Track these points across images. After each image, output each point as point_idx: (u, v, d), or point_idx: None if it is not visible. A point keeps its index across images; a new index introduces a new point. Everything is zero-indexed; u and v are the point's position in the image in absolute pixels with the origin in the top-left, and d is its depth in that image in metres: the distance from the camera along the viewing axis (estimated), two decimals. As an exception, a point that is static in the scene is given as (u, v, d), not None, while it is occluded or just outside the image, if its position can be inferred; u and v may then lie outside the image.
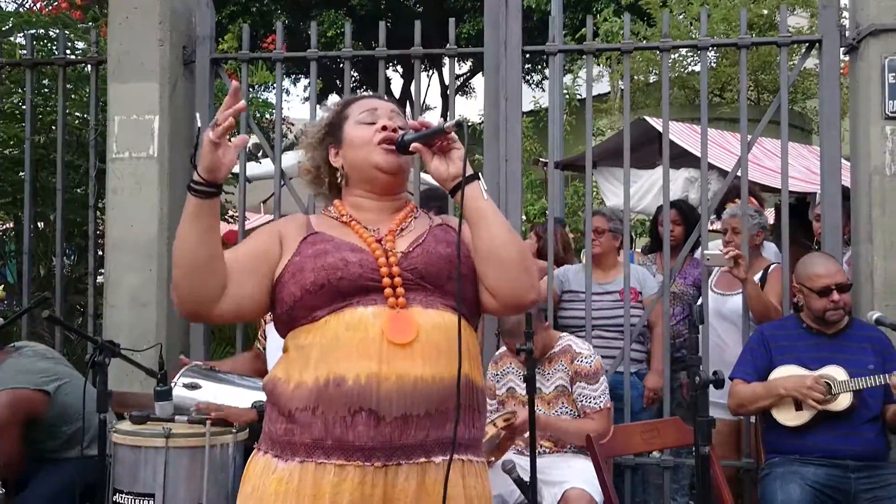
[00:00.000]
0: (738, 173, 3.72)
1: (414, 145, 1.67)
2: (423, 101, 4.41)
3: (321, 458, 1.56)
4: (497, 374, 3.45)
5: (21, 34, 4.45)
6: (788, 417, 3.08)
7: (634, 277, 4.00)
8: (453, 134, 1.65)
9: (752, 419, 3.46)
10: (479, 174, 1.66)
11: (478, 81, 20.76)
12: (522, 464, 2.97)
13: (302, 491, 1.56)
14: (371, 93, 1.95)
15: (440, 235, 1.72)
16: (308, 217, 1.80)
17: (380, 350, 1.57)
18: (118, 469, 2.79)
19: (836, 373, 3.04)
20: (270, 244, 1.71)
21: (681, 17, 11.82)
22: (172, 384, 2.97)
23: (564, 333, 3.45)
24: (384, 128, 1.74)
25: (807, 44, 3.83)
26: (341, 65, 15.24)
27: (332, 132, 1.82)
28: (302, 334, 1.64)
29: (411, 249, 1.68)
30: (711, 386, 2.28)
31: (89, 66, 4.09)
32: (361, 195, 1.78)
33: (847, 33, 3.58)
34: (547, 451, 3.28)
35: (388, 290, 1.62)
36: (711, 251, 3.61)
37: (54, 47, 4.26)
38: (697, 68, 12.56)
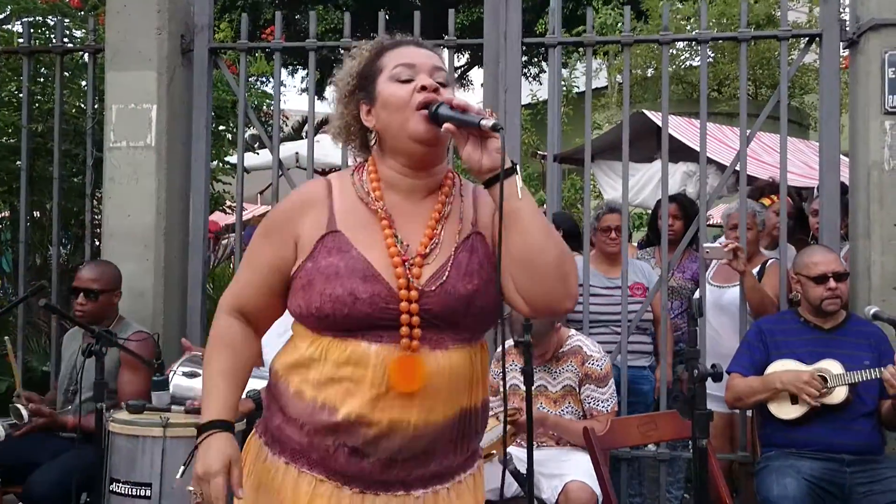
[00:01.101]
0: (737, 167, 3.72)
1: (447, 125, 1.45)
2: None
3: (304, 467, 1.55)
4: (499, 373, 3.44)
5: (19, 22, 4.42)
6: (785, 411, 3.09)
7: (640, 272, 4.02)
8: (487, 120, 1.44)
9: (749, 412, 3.47)
10: (517, 168, 1.46)
11: (475, 74, 20.73)
12: (520, 456, 2.97)
13: (282, 493, 1.56)
14: (408, 36, 1.63)
15: (465, 262, 1.53)
16: (330, 186, 1.59)
17: (377, 394, 1.48)
18: (115, 458, 2.79)
19: (832, 367, 3.05)
20: (282, 255, 1.57)
21: (678, 13, 11.81)
22: (170, 373, 2.97)
23: (573, 332, 3.45)
24: (423, 87, 1.50)
25: (807, 38, 3.82)
26: (337, 56, 15.23)
27: (363, 86, 1.58)
28: (306, 341, 1.56)
29: (432, 288, 1.50)
30: (709, 378, 2.28)
31: (87, 54, 4.08)
32: (396, 169, 1.56)
33: (847, 28, 3.58)
34: (546, 444, 3.28)
35: (404, 329, 1.48)
36: (711, 244, 3.62)
37: (52, 35, 4.24)
38: (696, 63, 12.61)
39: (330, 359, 1.51)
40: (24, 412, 3.15)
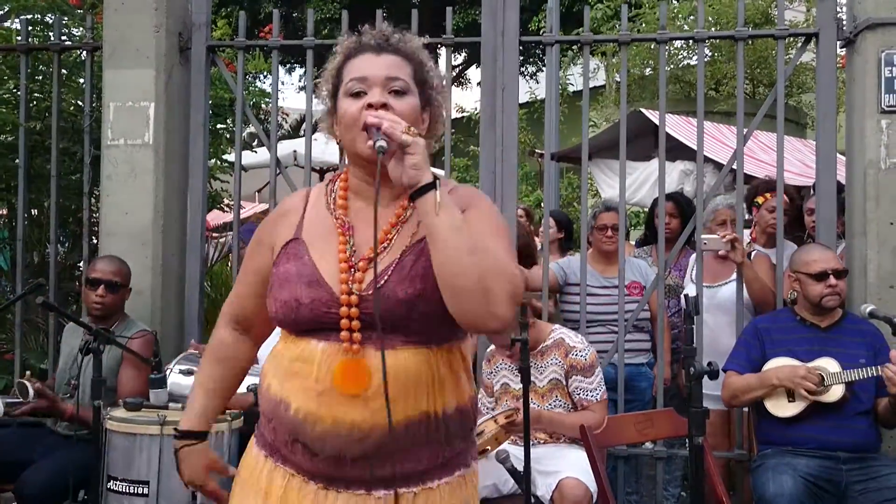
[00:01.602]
0: (734, 166, 3.73)
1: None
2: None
3: (277, 461, 1.60)
4: (491, 372, 3.45)
5: (17, 19, 4.41)
6: (781, 409, 3.10)
7: (638, 271, 4.03)
8: (408, 137, 1.43)
9: (745, 410, 3.48)
10: (437, 182, 1.43)
11: (473, 73, 20.73)
12: (516, 453, 2.98)
13: (259, 483, 1.61)
14: (371, 35, 1.60)
15: (409, 266, 1.53)
16: (308, 196, 1.67)
17: (321, 392, 1.51)
18: (112, 456, 2.80)
19: (828, 365, 3.06)
20: (264, 262, 1.66)
21: (674, 10, 11.81)
22: (168, 371, 2.98)
23: (556, 326, 3.46)
24: (370, 105, 1.51)
25: (804, 37, 3.83)
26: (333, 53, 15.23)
27: (332, 93, 1.62)
28: (279, 339, 1.64)
29: (370, 292, 1.51)
30: (706, 376, 2.29)
31: (84, 52, 4.08)
32: (359, 177, 1.61)
33: (844, 27, 3.58)
34: (541, 441, 3.29)
35: (344, 334, 1.51)
36: (708, 236, 3.63)
37: (50, 33, 4.23)
38: (692, 62, 12.61)
39: (287, 355, 1.57)
40: (31, 389, 3.13)
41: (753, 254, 3.86)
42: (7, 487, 3.21)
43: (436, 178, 1.44)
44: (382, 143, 1.43)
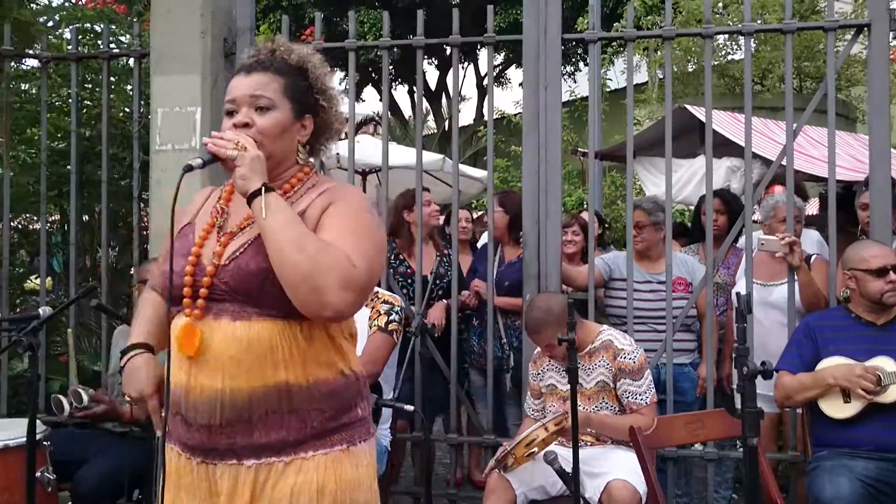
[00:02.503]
0: (783, 162, 3.66)
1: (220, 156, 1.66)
2: (460, 91, 4.39)
3: (171, 442, 1.73)
4: (538, 374, 3.43)
5: (67, 29, 4.52)
6: (836, 410, 3.03)
7: (683, 267, 3.97)
8: (233, 153, 1.63)
9: (799, 411, 3.41)
10: (264, 188, 1.61)
11: (512, 72, 20.68)
12: (564, 455, 2.96)
13: (168, 465, 1.73)
14: (248, 55, 1.83)
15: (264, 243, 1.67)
16: (212, 192, 1.86)
17: (186, 363, 1.65)
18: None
19: (885, 364, 2.98)
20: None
21: (720, 5, 11.64)
22: None
23: (604, 327, 3.42)
24: (234, 125, 1.72)
25: (854, 29, 3.74)
26: (374, 56, 15.34)
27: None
28: None
29: (227, 263, 1.66)
30: (759, 376, 2.24)
31: (133, 59, 4.15)
32: None
33: (896, 17, 3.50)
34: (589, 443, 3.26)
35: (186, 301, 1.66)
36: (766, 237, 3.56)
37: (99, 41, 4.32)
38: (737, 56, 12.42)
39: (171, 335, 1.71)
40: (85, 396, 3.19)
41: (814, 258, 3.78)
42: (63, 486, 3.28)
43: (265, 185, 1.62)
44: (198, 160, 1.67)
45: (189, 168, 1.65)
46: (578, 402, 3.22)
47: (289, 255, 1.56)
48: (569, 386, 3.18)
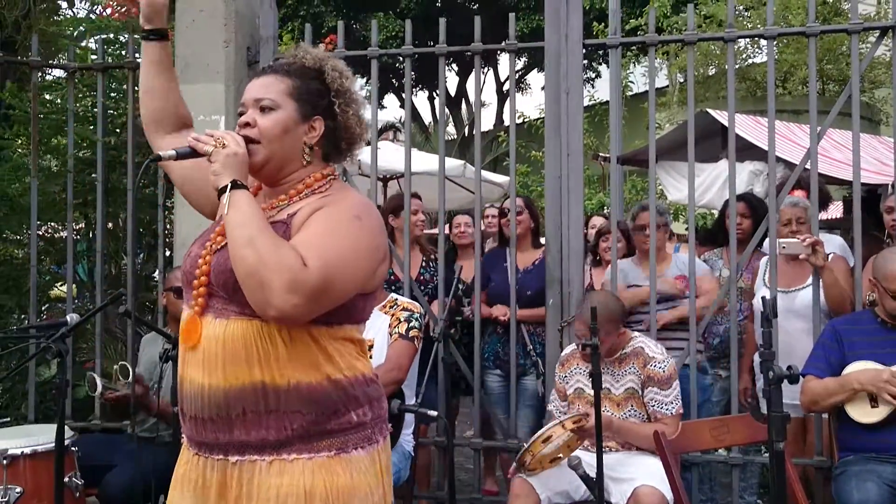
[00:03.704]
0: (807, 165, 3.63)
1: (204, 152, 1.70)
2: (480, 97, 4.39)
3: (183, 437, 1.79)
4: (565, 376, 3.43)
5: (93, 39, 4.58)
6: (863, 414, 3.00)
7: (682, 265, 3.96)
8: (209, 148, 1.67)
9: (825, 416, 3.38)
10: (230, 185, 1.63)
11: (532, 78, 20.69)
12: (589, 460, 2.95)
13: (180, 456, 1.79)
14: (266, 67, 1.86)
15: None
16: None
17: (185, 354, 1.71)
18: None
19: (913, 369, 2.94)
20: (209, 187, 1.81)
21: (741, 7, 11.58)
22: None
23: (637, 334, 3.41)
24: (238, 125, 1.77)
25: (878, 31, 3.71)
26: (395, 63, 15.39)
27: None
28: None
29: (212, 256, 1.70)
30: (785, 381, 2.23)
31: (157, 68, 4.19)
32: None
33: (922, 19, 3.46)
34: (614, 449, 3.25)
35: (193, 293, 1.71)
36: (787, 239, 3.53)
37: (124, 51, 4.38)
38: (758, 59, 12.34)
39: None
40: (99, 383, 3.17)
41: (830, 256, 3.75)
42: (91, 491, 3.32)
43: (235, 182, 1.64)
44: (171, 151, 1.72)
45: (158, 158, 1.71)
46: (607, 408, 3.23)
47: (238, 248, 1.58)
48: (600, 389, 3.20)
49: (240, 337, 1.63)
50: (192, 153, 1.70)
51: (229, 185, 1.63)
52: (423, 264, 4.50)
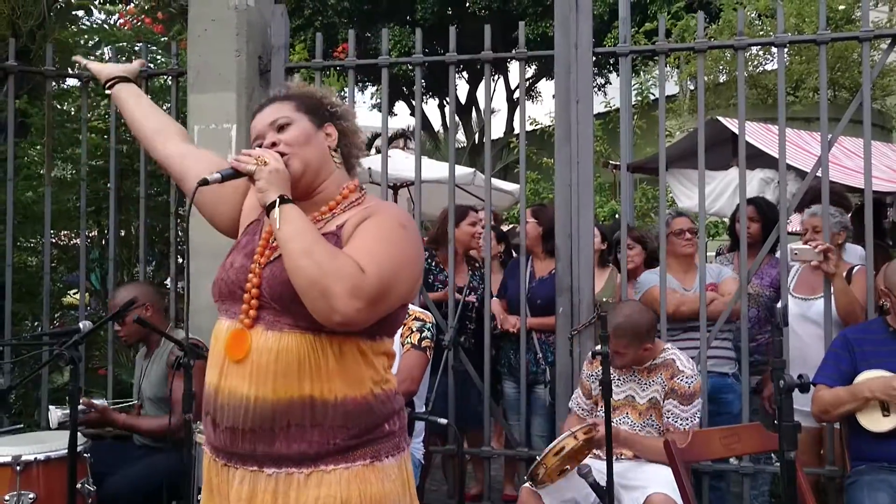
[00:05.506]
0: (818, 173, 3.62)
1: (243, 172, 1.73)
2: (490, 105, 4.41)
3: (207, 447, 1.79)
4: (591, 375, 3.42)
5: (106, 49, 4.62)
6: (875, 423, 2.99)
7: (713, 274, 3.97)
8: (251, 167, 1.69)
9: (837, 425, 3.36)
10: (277, 202, 1.66)
11: (542, 85, 20.69)
12: (599, 468, 2.95)
13: (204, 466, 1.81)
14: (262, 100, 1.98)
15: None
16: None
17: (223, 364, 1.71)
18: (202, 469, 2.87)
19: (925, 377, 2.93)
20: (238, 196, 1.93)
21: (752, 14, 11.56)
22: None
23: (669, 345, 3.41)
24: (272, 143, 1.80)
25: (889, 38, 3.71)
26: (400, 71, 15.43)
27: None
28: None
29: (264, 268, 1.72)
30: (796, 390, 2.22)
31: (170, 77, 4.23)
32: None
33: (933, 26, 3.45)
34: (624, 457, 3.24)
35: (244, 307, 1.70)
36: (800, 246, 3.52)
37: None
38: (769, 67, 12.31)
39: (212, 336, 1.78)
40: (58, 413, 3.21)
41: (856, 269, 3.72)
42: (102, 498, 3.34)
43: (282, 197, 1.67)
44: (216, 175, 1.73)
45: (205, 182, 1.72)
46: (629, 416, 3.23)
47: (296, 260, 1.60)
48: (622, 395, 3.21)
49: (294, 350, 1.65)
50: (236, 174, 1.73)
51: (277, 200, 1.66)
52: (470, 273, 4.60)
